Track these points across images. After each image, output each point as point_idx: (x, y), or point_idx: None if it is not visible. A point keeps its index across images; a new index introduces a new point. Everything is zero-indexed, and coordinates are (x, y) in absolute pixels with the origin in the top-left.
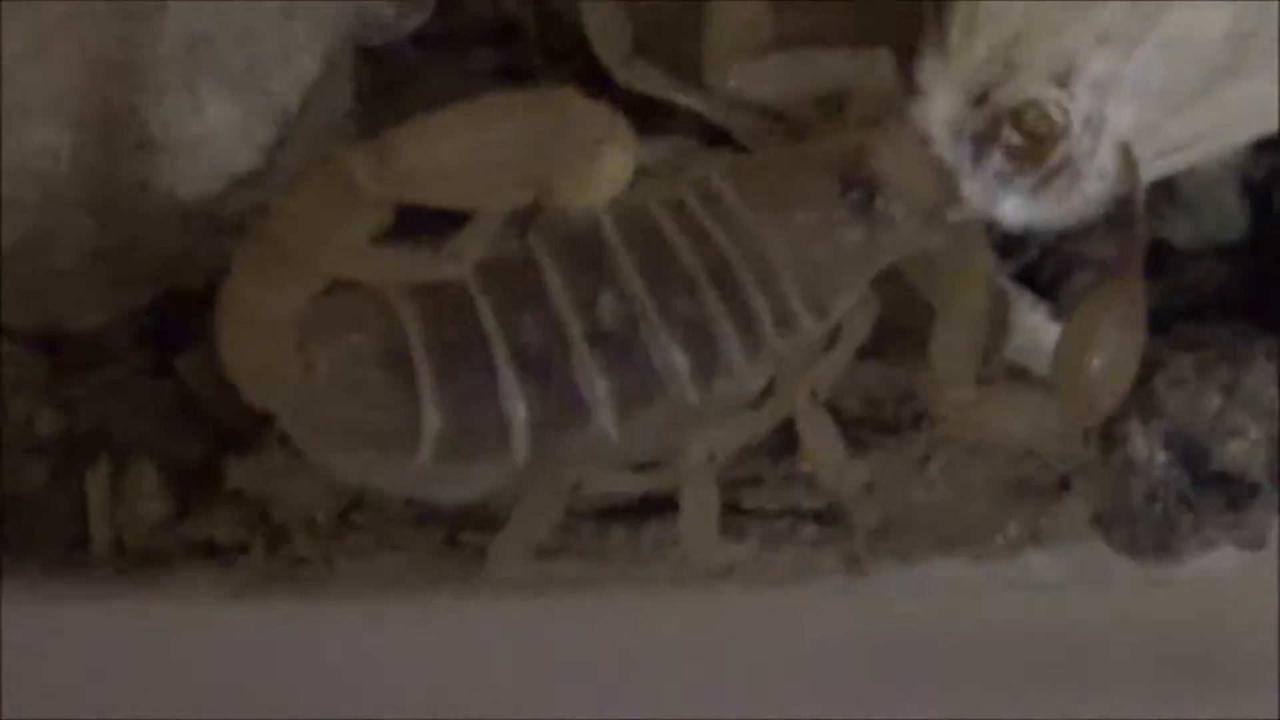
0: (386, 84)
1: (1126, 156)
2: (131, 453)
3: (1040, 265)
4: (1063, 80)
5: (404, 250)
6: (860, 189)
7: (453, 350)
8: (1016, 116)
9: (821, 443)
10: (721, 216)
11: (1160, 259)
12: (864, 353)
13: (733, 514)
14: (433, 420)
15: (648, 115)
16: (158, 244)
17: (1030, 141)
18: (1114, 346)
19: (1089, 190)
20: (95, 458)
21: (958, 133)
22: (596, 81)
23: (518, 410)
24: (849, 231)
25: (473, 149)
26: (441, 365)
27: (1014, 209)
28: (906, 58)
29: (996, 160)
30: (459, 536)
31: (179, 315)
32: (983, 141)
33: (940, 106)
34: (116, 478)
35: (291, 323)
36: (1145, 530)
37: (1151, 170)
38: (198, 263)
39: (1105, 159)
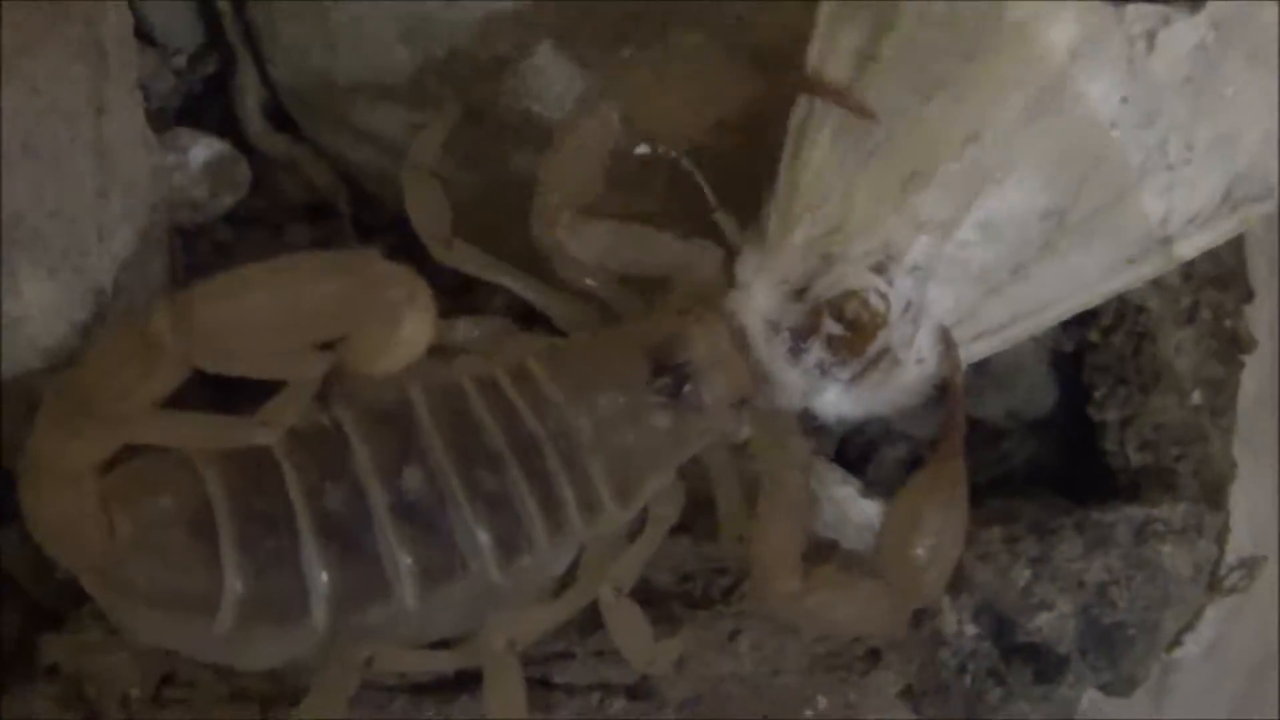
0: (201, 262)
1: (946, 340)
2: None
3: (849, 440)
4: (882, 268)
5: (214, 417)
6: (670, 375)
7: (256, 516)
8: (836, 308)
9: (629, 633)
10: (531, 396)
11: (971, 433)
12: (675, 528)
13: (542, 688)
14: (234, 585)
15: (466, 295)
16: None
17: (851, 331)
18: (939, 529)
19: (907, 377)
20: None
21: (774, 325)
22: (413, 258)
23: (319, 578)
24: (657, 418)
25: (274, 307)
26: (244, 530)
27: (832, 401)
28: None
29: (815, 351)
30: (271, 713)
31: None
32: (801, 334)
33: (759, 300)
34: None
35: (93, 478)
36: (955, 703)
37: (970, 353)
38: (12, 441)
39: (924, 344)
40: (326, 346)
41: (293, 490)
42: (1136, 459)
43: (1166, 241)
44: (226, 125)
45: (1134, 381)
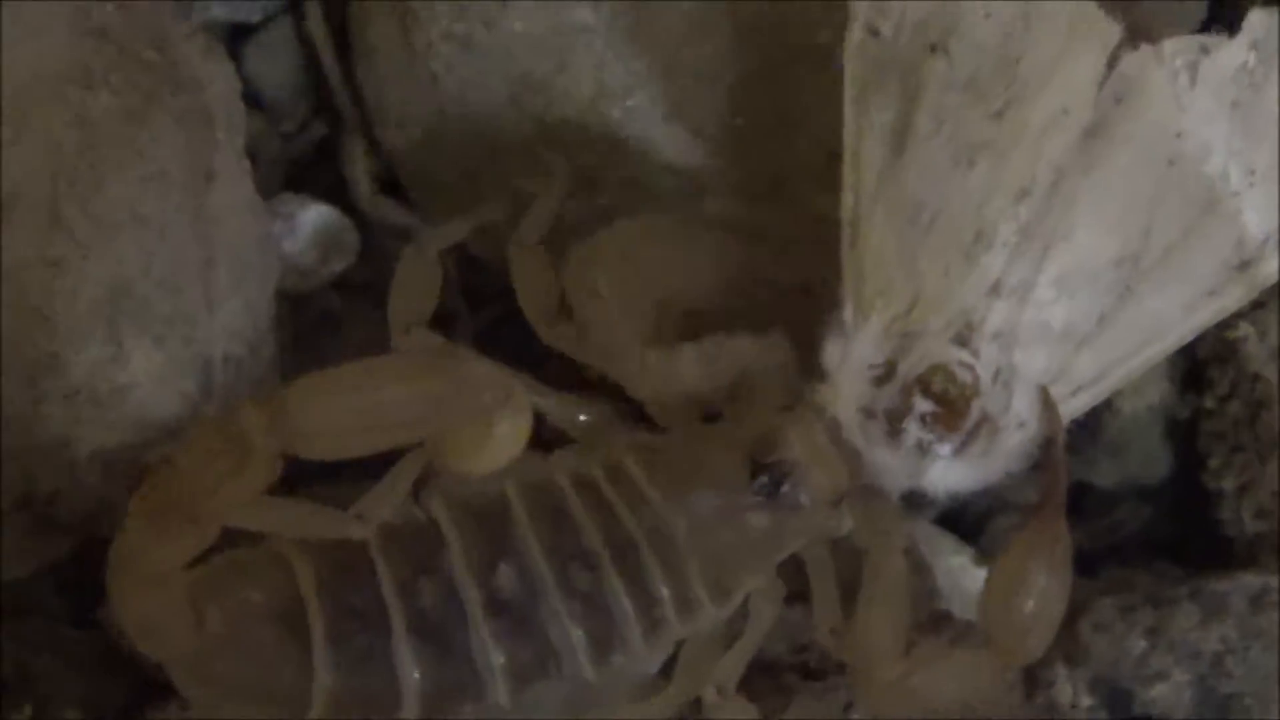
0: (309, 329)
1: (1045, 400)
2: (54, 702)
3: (962, 509)
4: (964, 339)
5: (310, 506)
6: (768, 474)
7: (348, 611)
8: (924, 384)
9: None
10: (627, 495)
11: (1083, 500)
12: (790, 597)
13: None
14: (324, 681)
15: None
16: (81, 493)
17: (943, 406)
18: (1042, 589)
19: (1011, 443)
20: (19, 707)
21: (868, 411)
22: (523, 329)
23: (411, 675)
24: (755, 517)
25: (366, 409)
26: (336, 626)
27: (939, 476)
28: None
29: (913, 432)
30: None
31: (100, 564)
32: (896, 416)
33: (847, 389)
34: None
35: (181, 575)
36: None
37: (1069, 410)
38: (120, 512)
39: (1021, 408)
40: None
41: (386, 586)
42: (1252, 527)
43: (1244, 267)
44: (335, 191)
45: (1250, 449)
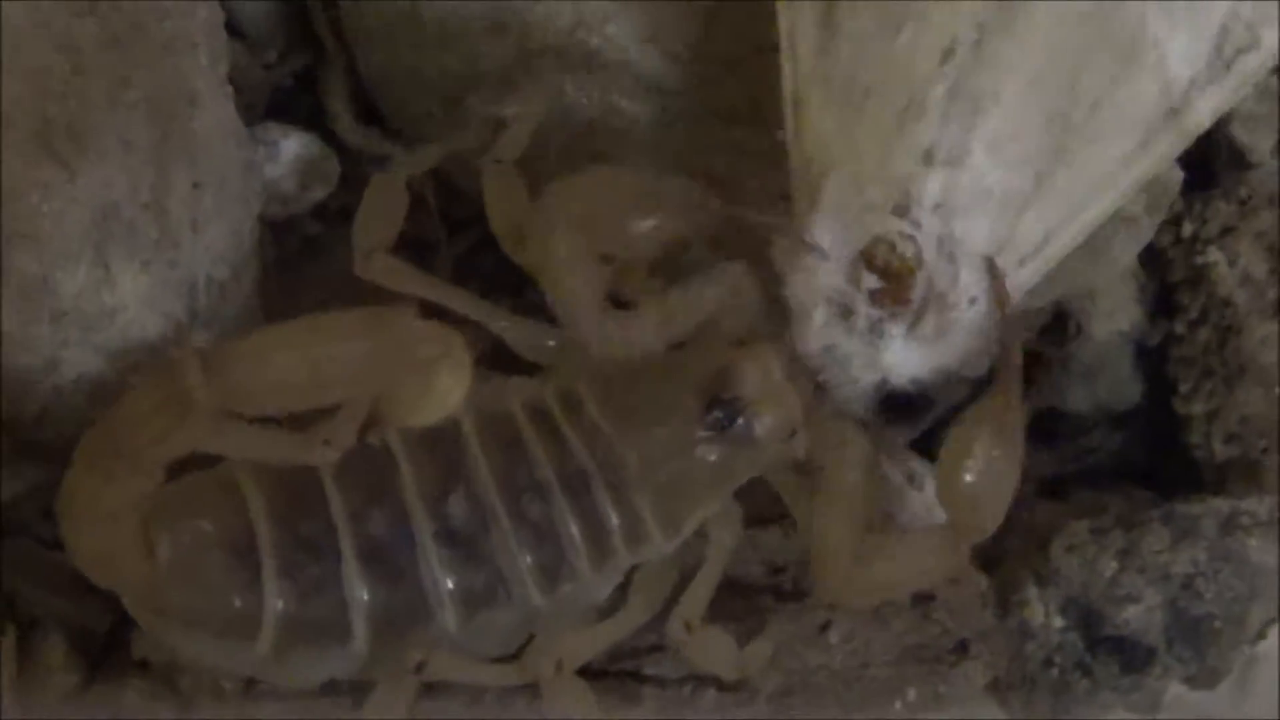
0: (291, 255)
1: (992, 270)
2: (38, 624)
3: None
4: (904, 210)
5: (276, 432)
6: (722, 410)
7: (298, 539)
8: (869, 258)
9: (712, 657)
10: (580, 424)
11: (1055, 426)
12: (765, 520)
13: (633, 681)
14: (274, 608)
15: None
16: (67, 416)
17: (889, 280)
18: (991, 458)
19: (964, 321)
20: (2, 629)
21: (818, 297)
22: (500, 256)
23: (360, 601)
24: (707, 451)
25: (305, 365)
26: (286, 554)
27: (898, 360)
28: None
29: (862, 310)
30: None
31: None
32: (846, 296)
33: (800, 278)
34: (24, 649)
35: (130, 512)
36: (1041, 695)
37: (1019, 281)
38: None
39: (970, 282)
40: None
41: (337, 514)
42: (1222, 452)
43: (1173, 114)
44: (316, 120)
45: (1219, 374)
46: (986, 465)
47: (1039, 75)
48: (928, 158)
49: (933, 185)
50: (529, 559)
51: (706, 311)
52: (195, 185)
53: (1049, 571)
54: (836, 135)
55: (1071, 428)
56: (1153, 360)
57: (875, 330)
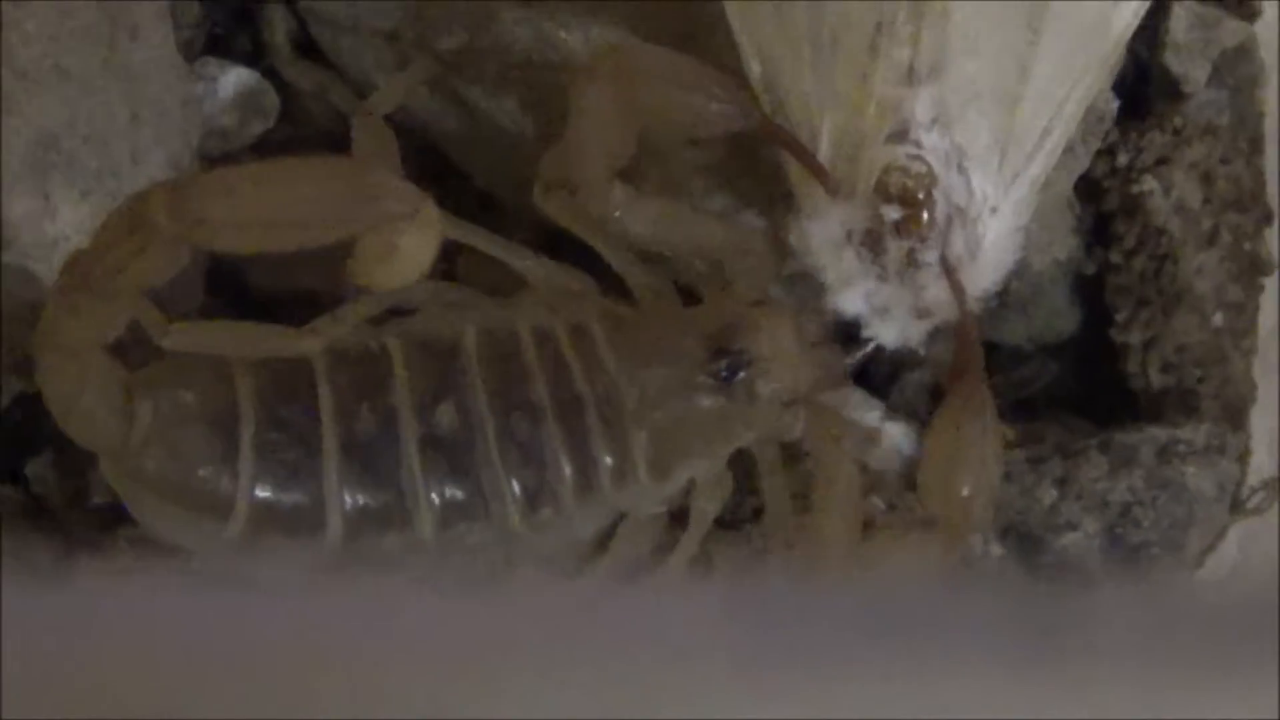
0: None
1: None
2: None
3: (872, 366)
4: (902, 135)
5: (262, 326)
6: (727, 360)
7: (281, 423)
8: (884, 190)
9: None
10: (585, 355)
11: (992, 357)
12: None
13: None
14: (248, 489)
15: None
16: (7, 346)
17: (908, 206)
18: (975, 460)
19: (990, 236)
20: None
21: (850, 237)
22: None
23: (337, 496)
24: (706, 400)
25: (271, 203)
26: (267, 437)
27: (937, 294)
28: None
29: (892, 246)
30: None
31: (27, 420)
32: (874, 239)
33: (826, 222)
34: None
35: (106, 360)
36: None
37: (1032, 172)
38: None
39: (985, 189)
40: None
41: (324, 405)
42: (1159, 381)
43: None
44: (254, 55)
45: (1156, 304)
46: (972, 468)
47: None
48: (910, 75)
49: (922, 102)
50: (513, 478)
51: (711, 241)
52: (134, 117)
53: None
54: (817, 89)
55: (1008, 359)
56: (1089, 290)
57: (910, 262)
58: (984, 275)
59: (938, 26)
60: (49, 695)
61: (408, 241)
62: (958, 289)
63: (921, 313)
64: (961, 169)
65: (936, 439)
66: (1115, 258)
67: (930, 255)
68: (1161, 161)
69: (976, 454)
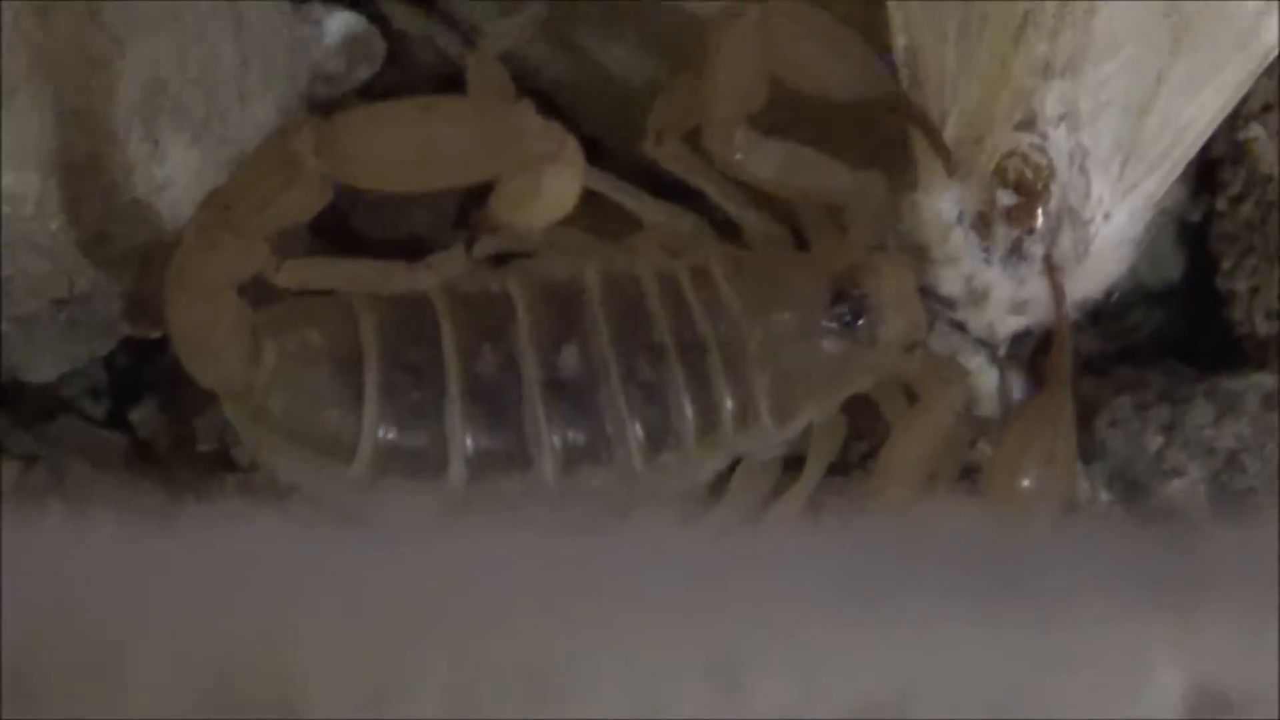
0: None
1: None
2: (86, 502)
3: None
4: (1029, 125)
5: (379, 263)
6: (849, 305)
7: (405, 365)
8: (1002, 174)
9: None
10: (707, 298)
11: (1097, 304)
12: None
13: None
14: (373, 430)
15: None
16: (115, 292)
17: (1023, 195)
18: (1044, 466)
19: (1102, 238)
20: (51, 506)
21: (960, 219)
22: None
23: (460, 438)
24: (828, 343)
25: (416, 143)
26: (391, 378)
27: (1038, 291)
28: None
29: (1001, 232)
30: None
31: (134, 365)
32: (984, 221)
33: (941, 199)
34: None
35: (235, 299)
36: None
37: (1149, 187)
38: (154, 312)
39: (1102, 194)
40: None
41: (447, 348)
42: (1264, 328)
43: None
44: (361, 0)
45: (1261, 251)
46: (1039, 469)
47: None
48: (1047, 69)
49: (1054, 97)
50: (635, 420)
51: (835, 186)
52: (242, 61)
53: (1094, 447)
54: (956, 68)
55: (1112, 306)
56: (1194, 237)
57: (1015, 252)
58: (1088, 281)
59: (1080, 25)
60: (157, 640)
61: (552, 181)
62: (1058, 290)
63: (1017, 307)
64: (1083, 169)
65: (1010, 435)
66: (1221, 205)
67: (1036, 249)
68: (1267, 108)
69: (1046, 456)
